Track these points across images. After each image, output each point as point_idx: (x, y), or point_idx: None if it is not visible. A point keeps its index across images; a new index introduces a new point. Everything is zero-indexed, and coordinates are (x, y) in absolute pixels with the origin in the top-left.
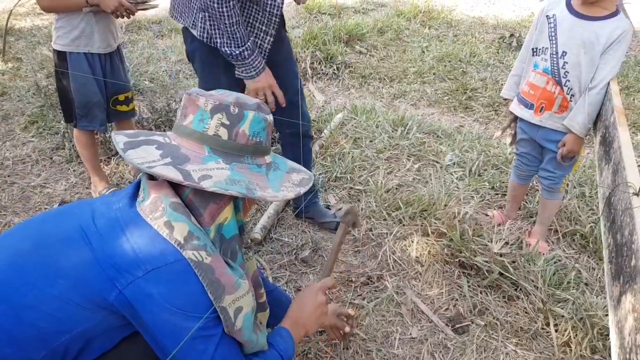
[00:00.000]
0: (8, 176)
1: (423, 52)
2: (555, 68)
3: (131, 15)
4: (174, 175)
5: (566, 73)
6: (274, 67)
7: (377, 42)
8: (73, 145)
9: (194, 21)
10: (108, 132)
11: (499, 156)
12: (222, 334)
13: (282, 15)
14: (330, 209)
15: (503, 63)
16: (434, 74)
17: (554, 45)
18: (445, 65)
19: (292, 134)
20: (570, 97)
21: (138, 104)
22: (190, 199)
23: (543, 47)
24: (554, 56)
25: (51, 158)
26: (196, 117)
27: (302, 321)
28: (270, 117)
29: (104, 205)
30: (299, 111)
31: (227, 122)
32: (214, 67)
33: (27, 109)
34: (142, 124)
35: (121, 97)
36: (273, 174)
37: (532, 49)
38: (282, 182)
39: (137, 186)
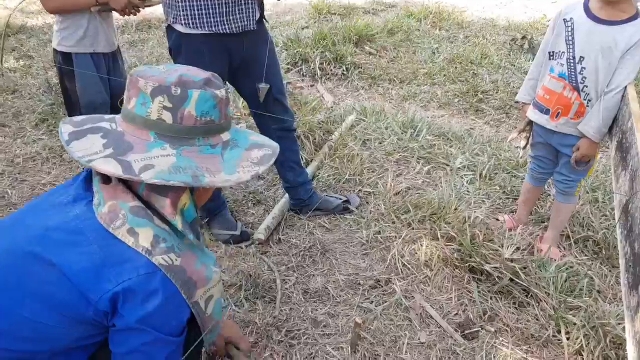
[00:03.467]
0: (18, 173)
1: (433, 53)
2: (573, 73)
3: (137, 13)
4: (114, 169)
5: (584, 79)
6: (253, 62)
7: (387, 43)
8: None
9: (175, 16)
10: None
11: (510, 160)
12: (179, 344)
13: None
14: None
15: (515, 65)
16: (444, 75)
17: (571, 50)
18: (455, 67)
19: (278, 129)
20: (587, 103)
21: None
22: (148, 192)
23: (560, 51)
24: (571, 61)
25: (61, 156)
26: (138, 101)
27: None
28: (221, 92)
29: (58, 213)
30: (283, 107)
31: (170, 105)
32: (199, 64)
33: (38, 106)
34: None
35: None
36: (229, 153)
37: (549, 52)
38: (240, 161)
39: (87, 180)
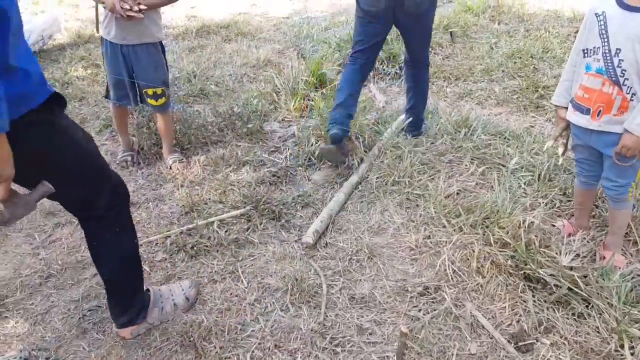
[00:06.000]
0: None
1: (491, 48)
2: (611, 67)
3: (128, 18)
4: None
5: (623, 71)
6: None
7: (442, 39)
8: (142, 149)
9: None
10: (134, 108)
11: (572, 159)
12: None
13: None
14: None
15: None
16: (502, 71)
17: (606, 44)
18: (515, 62)
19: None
20: (631, 97)
21: (204, 108)
22: None
23: (594, 47)
24: (607, 55)
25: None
26: None
27: None
28: None
29: None
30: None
31: None
32: None
33: (102, 112)
34: (206, 127)
35: (149, 92)
36: None
37: (583, 50)
38: None
39: None
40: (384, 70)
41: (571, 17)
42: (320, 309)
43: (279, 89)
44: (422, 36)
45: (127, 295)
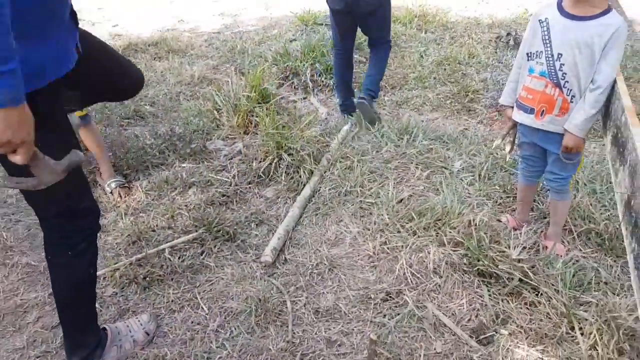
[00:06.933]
0: (12, 214)
1: (421, 56)
2: (553, 70)
3: None
4: None
5: (564, 75)
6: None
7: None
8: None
9: None
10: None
11: (507, 158)
12: None
13: None
14: None
15: (502, 62)
16: (434, 78)
17: (549, 48)
18: (445, 69)
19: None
20: (571, 99)
21: (141, 130)
22: None
23: (537, 51)
24: (550, 59)
25: None
26: None
27: None
28: None
29: None
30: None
31: None
32: None
33: None
34: (145, 150)
35: None
36: None
37: (527, 53)
38: None
39: None
40: (322, 82)
41: (490, 24)
42: (287, 327)
43: (219, 106)
44: (380, 24)
45: (76, 329)
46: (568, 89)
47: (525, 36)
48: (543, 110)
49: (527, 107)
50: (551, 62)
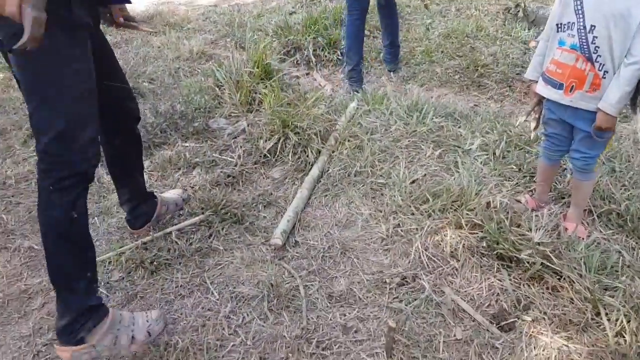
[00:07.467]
0: (12, 196)
1: (427, 29)
2: (585, 44)
3: None
4: None
5: (597, 48)
6: None
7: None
8: None
9: None
10: None
11: (521, 135)
12: None
13: None
14: None
15: (511, 35)
16: (441, 52)
17: (581, 20)
18: (452, 42)
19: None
20: (604, 74)
21: (141, 108)
22: None
23: (569, 22)
24: (582, 31)
25: None
26: None
27: None
28: None
29: None
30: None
31: None
32: None
33: (25, 121)
34: (146, 128)
35: None
36: None
37: (557, 24)
38: None
39: None
40: (326, 57)
41: None
42: (301, 313)
43: (221, 82)
44: None
45: (61, 285)
46: (600, 64)
47: (555, 6)
48: (573, 86)
49: (555, 82)
50: (583, 34)
